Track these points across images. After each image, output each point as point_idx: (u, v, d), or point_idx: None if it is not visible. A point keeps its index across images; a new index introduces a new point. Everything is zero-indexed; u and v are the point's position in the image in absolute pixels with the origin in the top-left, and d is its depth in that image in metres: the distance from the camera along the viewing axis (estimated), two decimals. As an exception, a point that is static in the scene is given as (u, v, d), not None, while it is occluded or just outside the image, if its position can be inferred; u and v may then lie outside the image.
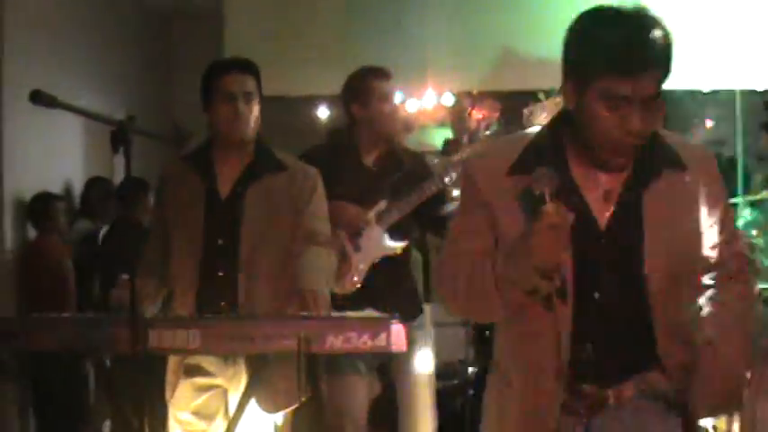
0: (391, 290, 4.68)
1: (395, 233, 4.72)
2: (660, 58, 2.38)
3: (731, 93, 7.73)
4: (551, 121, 2.63)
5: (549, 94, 4.81)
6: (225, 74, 3.99)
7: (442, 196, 4.79)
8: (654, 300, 2.49)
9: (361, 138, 4.80)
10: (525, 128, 4.68)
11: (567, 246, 2.37)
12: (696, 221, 2.55)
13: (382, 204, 4.70)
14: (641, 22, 2.37)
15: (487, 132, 4.92)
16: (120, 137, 2.99)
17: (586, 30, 2.44)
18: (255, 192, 3.98)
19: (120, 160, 3.00)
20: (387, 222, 4.70)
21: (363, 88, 4.79)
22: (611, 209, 2.51)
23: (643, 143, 2.43)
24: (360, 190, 4.65)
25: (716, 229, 2.60)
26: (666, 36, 2.39)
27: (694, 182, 2.54)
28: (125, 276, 3.66)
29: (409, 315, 4.51)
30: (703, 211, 2.55)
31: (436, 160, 6.14)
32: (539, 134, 2.61)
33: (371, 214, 4.69)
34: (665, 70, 2.39)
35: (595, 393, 2.53)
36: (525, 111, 4.77)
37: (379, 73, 4.86)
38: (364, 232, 4.67)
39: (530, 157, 2.53)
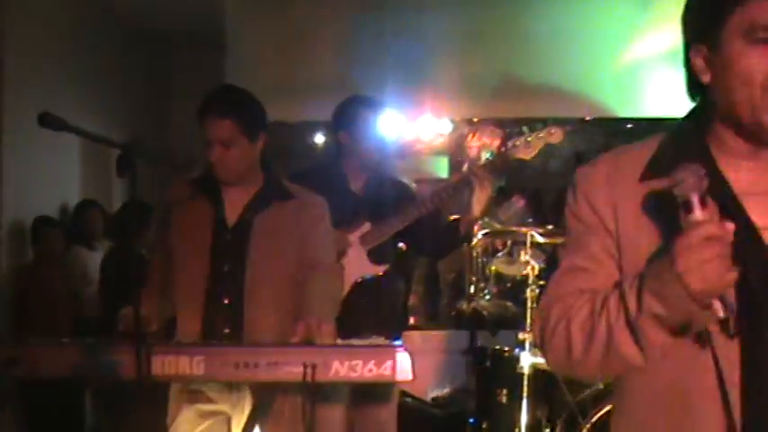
0: (373, 310, 4.76)
1: (377, 256, 4.79)
2: None
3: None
4: (686, 116, 2.10)
5: (533, 128, 4.81)
6: (205, 117, 3.89)
7: (430, 220, 4.85)
8: None
9: (348, 164, 4.87)
10: (510, 161, 4.75)
11: (732, 262, 1.76)
12: None
13: (366, 227, 4.78)
14: None
15: (488, 156, 4.94)
16: (125, 160, 2.96)
17: None
18: (263, 220, 3.95)
19: (117, 183, 2.98)
20: (369, 245, 4.77)
21: (350, 116, 4.86)
22: None
23: None
24: (345, 214, 4.65)
25: None
26: None
27: None
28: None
29: (390, 336, 4.60)
30: None
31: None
32: (674, 130, 2.08)
33: (354, 236, 4.75)
34: None
35: None
36: (509, 144, 4.80)
37: (366, 102, 4.93)
38: (347, 253, 4.72)
39: (669, 155, 1.99)
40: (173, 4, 9.11)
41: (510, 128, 7.35)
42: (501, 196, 9.18)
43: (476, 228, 6.33)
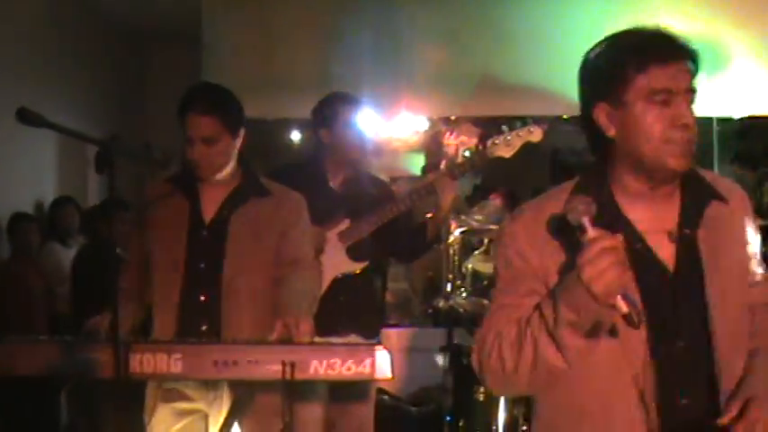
0: (351, 308, 4.76)
1: (356, 253, 4.79)
2: (690, 49, 2.36)
3: (707, 120, 7.78)
4: (591, 166, 2.52)
5: (512, 126, 4.78)
6: (186, 114, 3.87)
7: (407, 219, 4.88)
8: (721, 351, 2.37)
9: (327, 161, 4.88)
10: (490, 158, 4.73)
11: (628, 266, 2.16)
12: (743, 254, 2.49)
13: (344, 224, 4.78)
14: (666, 28, 2.40)
15: (466, 154, 4.92)
16: (104, 157, 2.94)
17: (611, 42, 2.42)
18: (240, 216, 3.94)
19: (92, 180, 2.96)
20: (348, 241, 4.77)
21: (330, 114, 4.86)
22: (673, 248, 2.41)
23: (694, 141, 2.35)
24: (324, 210, 4.66)
25: (756, 264, 2.54)
26: (688, 39, 2.40)
27: (737, 215, 2.50)
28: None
29: (368, 333, 4.68)
30: (747, 244, 2.51)
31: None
32: (580, 181, 2.50)
33: (333, 233, 4.76)
34: (695, 66, 2.37)
35: None
36: (489, 142, 4.77)
37: (347, 99, 4.93)
38: (326, 250, 4.71)
39: None
40: (149, 1, 9.07)
41: (487, 126, 7.33)
42: (478, 194, 9.19)
43: (453, 226, 6.33)
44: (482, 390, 5.54)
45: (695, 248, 2.39)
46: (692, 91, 2.35)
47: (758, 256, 2.55)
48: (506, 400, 5.36)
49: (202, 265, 3.91)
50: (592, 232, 2.16)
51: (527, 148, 4.80)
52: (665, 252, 2.39)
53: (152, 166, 4.36)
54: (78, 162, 8.60)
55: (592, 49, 2.44)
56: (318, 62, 7.59)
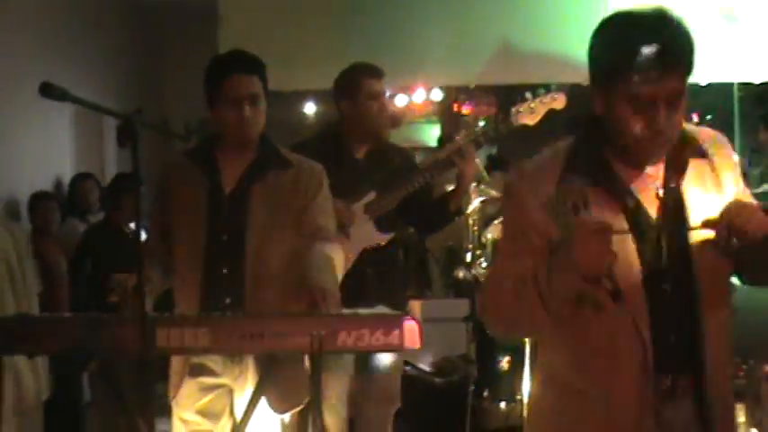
0: (378, 280, 4.76)
1: (382, 224, 4.78)
2: (683, 58, 2.48)
3: (728, 85, 7.72)
4: (585, 127, 2.67)
5: (536, 93, 4.76)
6: (230, 76, 3.83)
7: (427, 191, 4.86)
8: (704, 295, 2.58)
9: (350, 133, 4.85)
10: (513, 127, 4.72)
11: (612, 248, 2.43)
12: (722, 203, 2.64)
13: (371, 196, 4.76)
14: (663, 24, 2.47)
15: (481, 125, 4.91)
16: (127, 131, 2.91)
17: (611, 34, 2.54)
18: (261, 188, 3.89)
19: (110, 156, 2.93)
20: (375, 213, 4.75)
21: (353, 86, 4.85)
22: (658, 203, 2.60)
23: (671, 140, 2.53)
24: (349, 182, 4.65)
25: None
26: (688, 35, 2.49)
27: (720, 167, 2.66)
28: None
29: (395, 305, 4.64)
30: (727, 191, 2.66)
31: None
32: (575, 143, 2.68)
33: (360, 205, 4.74)
34: (688, 68, 2.50)
35: (669, 384, 2.61)
36: (513, 110, 4.75)
37: (370, 70, 4.92)
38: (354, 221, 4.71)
39: (575, 165, 2.61)
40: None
41: (506, 94, 7.30)
42: (495, 165, 9.15)
43: (472, 195, 6.31)
44: (506, 359, 5.55)
45: (680, 201, 2.60)
46: (675, 97, 2.48)
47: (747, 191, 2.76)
48: (531, 370, 5.35)
49: (224, 238, 3.88)
50: (584, 216, 2.47)
51: (547, 116, 4.78)
52: (653, 207, 2.60)
53: (173, 139, 4.33)
54: (95, 138, 8.59)
55: (595, 33, 2.56)
56: (333, 33, 7.55)
